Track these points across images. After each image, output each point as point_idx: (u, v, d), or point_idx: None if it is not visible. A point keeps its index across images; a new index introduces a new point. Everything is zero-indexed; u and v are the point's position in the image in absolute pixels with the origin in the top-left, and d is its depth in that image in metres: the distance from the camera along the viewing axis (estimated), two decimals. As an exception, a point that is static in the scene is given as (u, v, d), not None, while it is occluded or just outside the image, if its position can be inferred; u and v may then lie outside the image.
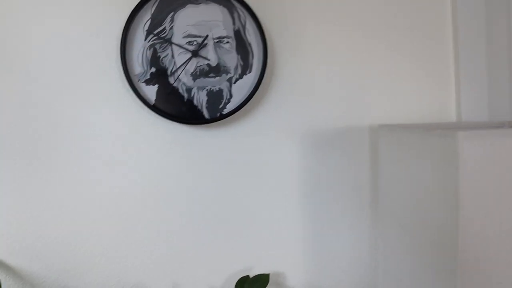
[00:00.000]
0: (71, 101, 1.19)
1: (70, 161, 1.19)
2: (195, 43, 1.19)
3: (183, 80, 1.20)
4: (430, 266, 1.00)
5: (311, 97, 1.28)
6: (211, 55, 1.20)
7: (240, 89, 1.21)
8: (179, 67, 1.19)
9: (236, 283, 1.18)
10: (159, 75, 1.18)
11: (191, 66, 1.20)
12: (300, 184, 1.28)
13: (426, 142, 0.99)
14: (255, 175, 1.27)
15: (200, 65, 1.20)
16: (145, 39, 1.17)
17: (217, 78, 1.21)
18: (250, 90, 1.21)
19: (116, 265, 1.23)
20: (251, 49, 1.22)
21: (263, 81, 1.22)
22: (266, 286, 1.16)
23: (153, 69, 1.18)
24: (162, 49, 1.18)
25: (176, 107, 1.19)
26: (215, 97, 1.21)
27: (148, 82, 1.18)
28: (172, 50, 1.19)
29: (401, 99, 1.32)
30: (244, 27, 1.21)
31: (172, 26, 1.18)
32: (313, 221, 1.29)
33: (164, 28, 1.18)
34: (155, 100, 1.19)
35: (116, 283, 1.23)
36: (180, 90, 1.20)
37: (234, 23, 1.21)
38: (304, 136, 1.28)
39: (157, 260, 1.24)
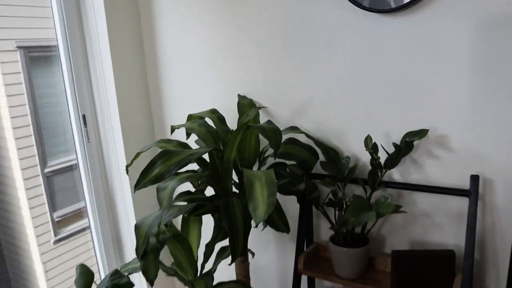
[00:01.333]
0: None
1: (301, 46, 1.61)
2: None
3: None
4: None
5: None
6: None
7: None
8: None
9: (404, 135, 1.51)
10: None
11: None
12: (474, 69, 1.34)
13: None
14: (430, 58, 1.38)
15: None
16: None
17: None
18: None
19: (327, 116, 1.62)
20: None
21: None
22: (423, 138, 1.41)
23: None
24: None
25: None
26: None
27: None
28: None
29: None
30: None
31: None
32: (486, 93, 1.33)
33: None
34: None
35: (323, 129, 1.65)
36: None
37: None
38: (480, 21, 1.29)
39: (355, 114, 1.56)
